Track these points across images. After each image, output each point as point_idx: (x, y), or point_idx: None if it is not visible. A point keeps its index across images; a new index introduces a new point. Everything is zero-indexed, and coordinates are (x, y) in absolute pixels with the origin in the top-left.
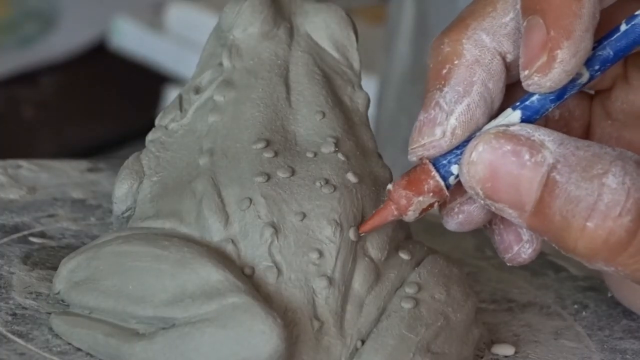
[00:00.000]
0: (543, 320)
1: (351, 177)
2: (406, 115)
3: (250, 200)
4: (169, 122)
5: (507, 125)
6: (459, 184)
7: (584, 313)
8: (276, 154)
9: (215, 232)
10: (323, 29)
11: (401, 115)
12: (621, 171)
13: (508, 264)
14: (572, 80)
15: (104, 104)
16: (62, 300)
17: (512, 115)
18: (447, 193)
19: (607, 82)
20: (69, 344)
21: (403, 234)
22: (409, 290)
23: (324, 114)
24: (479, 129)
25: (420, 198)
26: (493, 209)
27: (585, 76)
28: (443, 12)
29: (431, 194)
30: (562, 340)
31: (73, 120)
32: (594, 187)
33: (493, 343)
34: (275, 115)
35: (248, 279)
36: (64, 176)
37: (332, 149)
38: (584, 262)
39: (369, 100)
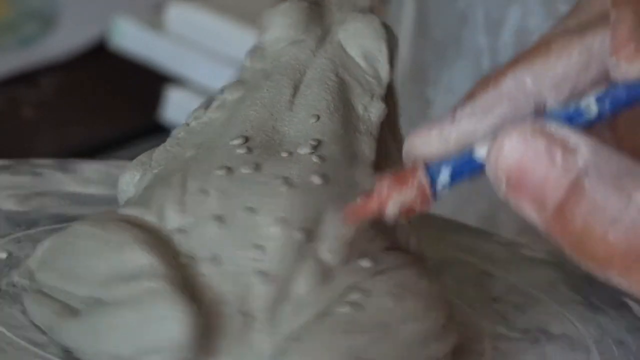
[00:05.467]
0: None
1: (315, 179)
2: (405, 115)
3: (205, 192)
4: (192, 119)
5: (544, 122)
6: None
7: None
8: (250, 150)
9: (170, 221)
10: (354, 37)
11: (400, 115)
12: None
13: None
14: None
15: (104, 104)
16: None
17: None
18: (430, 195)
19: None
20: (31, 320)
21: (378, 243)
22: (354, 296)
23: (318, 117)
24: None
25: (402, 192)
26: (511, 202)
27: None
28: (443, 12)
29: (415, 191)
30: None
31: (73, 120)
32: (622, 200)
33: None
34: (269, 116)
35: (183, 268)
36: None
37: (308, 150)
38: (597, 270)
39: (383, 111)
